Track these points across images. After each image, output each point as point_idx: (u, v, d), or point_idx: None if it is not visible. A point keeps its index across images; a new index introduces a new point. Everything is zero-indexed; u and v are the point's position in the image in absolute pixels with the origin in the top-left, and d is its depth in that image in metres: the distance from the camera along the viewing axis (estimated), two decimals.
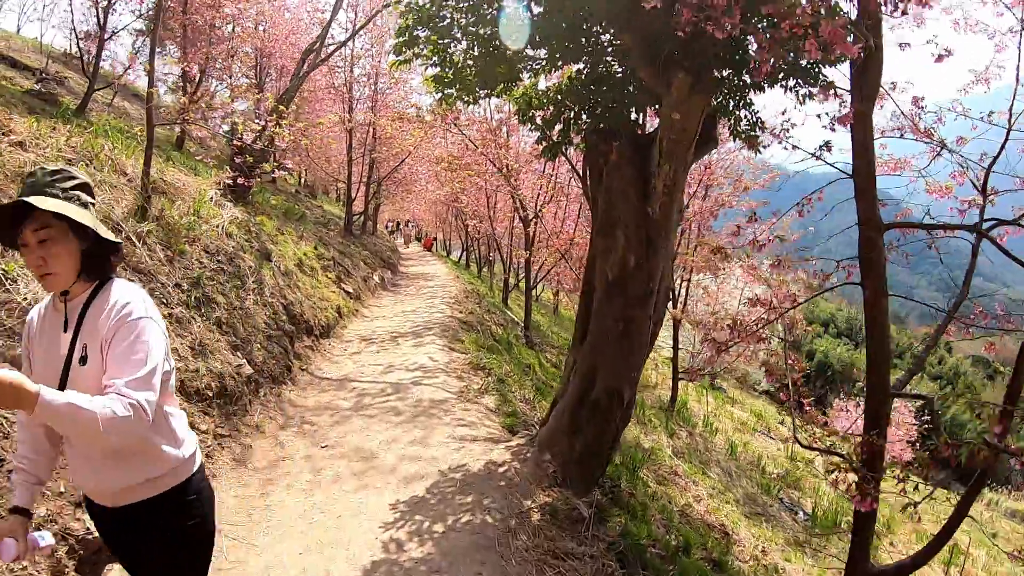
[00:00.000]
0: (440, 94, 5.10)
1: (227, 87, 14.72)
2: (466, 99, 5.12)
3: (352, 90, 14.28)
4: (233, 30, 14.00)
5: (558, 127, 5.48)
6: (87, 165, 5.87)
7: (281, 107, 7.48)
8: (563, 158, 11.53)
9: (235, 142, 7.56)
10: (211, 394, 4.82)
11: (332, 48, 9.67)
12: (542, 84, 5.62)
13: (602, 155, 4.38)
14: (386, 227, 38.41)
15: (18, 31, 20.72)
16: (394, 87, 15.17)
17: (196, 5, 12.74)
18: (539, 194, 12.15)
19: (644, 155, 4.26)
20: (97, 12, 10.05)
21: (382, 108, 15.10)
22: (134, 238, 5.45)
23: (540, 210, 11.87)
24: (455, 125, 11.37)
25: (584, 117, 5.15)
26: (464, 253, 31.62)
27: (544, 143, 5.60)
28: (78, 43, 13.79)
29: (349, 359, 7.44)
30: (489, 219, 18.54)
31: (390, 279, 14.57)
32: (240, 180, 8.67)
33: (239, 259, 6.72)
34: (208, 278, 5.92)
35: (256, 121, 7.28)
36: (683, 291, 15.27)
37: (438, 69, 4.97)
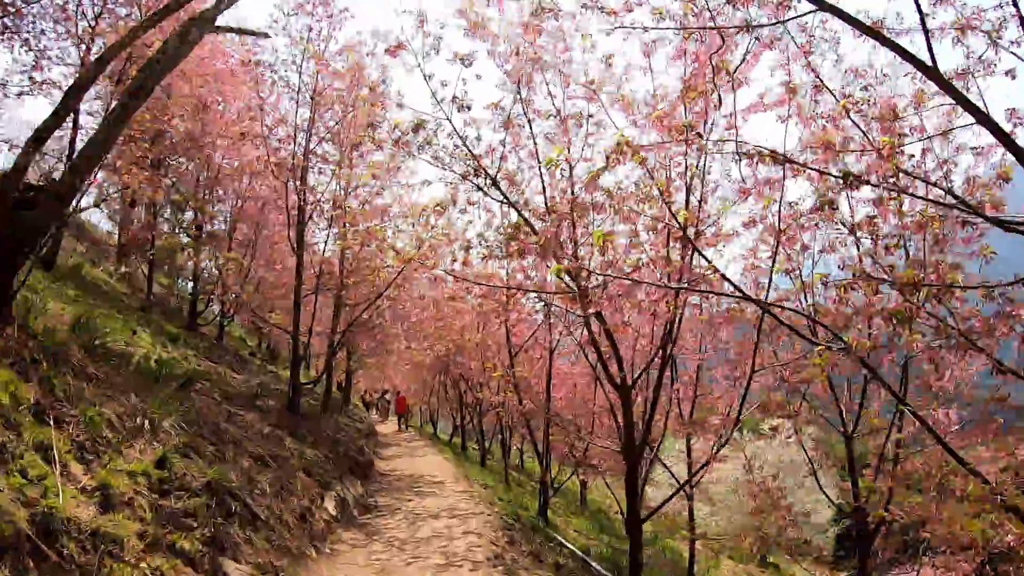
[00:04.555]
0: None
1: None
2: None
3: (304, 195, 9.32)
4: None
5: None
6: None
7: None
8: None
9: None
10: None
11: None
12: None
13: None
14: (362, 398, 31.84)
15: None
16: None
17: None
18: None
19: None
20: None
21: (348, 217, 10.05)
22: None
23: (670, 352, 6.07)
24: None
25: None
26: (459, 431, 24.55)
27: None
28: None
29: None
30: (514, 388, 12.58)
31: (360, 497, 8.17)
32: None
33: None
34: None
35: None
36: None
37: None
